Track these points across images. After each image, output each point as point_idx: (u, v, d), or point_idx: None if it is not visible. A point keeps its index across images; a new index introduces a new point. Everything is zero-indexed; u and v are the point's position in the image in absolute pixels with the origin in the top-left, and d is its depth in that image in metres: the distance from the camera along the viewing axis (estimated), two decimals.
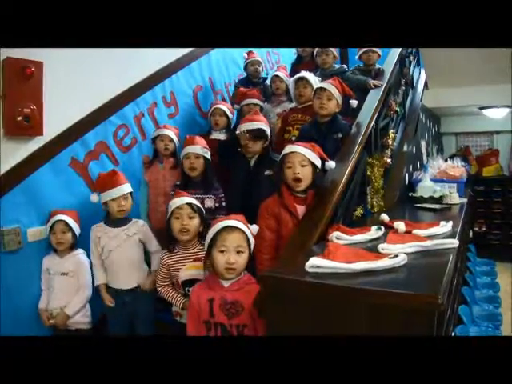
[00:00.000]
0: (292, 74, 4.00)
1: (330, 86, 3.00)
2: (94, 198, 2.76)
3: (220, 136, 3.65)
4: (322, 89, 3.01)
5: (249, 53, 4.51)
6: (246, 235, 1.98)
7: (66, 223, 2.65)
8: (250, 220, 2.20)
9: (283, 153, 2.46)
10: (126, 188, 2.72)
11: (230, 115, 3.73)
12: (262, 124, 3.03)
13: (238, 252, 1.94)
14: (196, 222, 2.43)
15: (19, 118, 2.52)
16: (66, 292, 2.63)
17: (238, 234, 1.96)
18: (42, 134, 2.68)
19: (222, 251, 1.94)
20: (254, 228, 2.09)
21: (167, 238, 2.50)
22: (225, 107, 3.72)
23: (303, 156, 2.38)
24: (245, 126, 3.00)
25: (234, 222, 1.98)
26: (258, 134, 2.97)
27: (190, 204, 2.44)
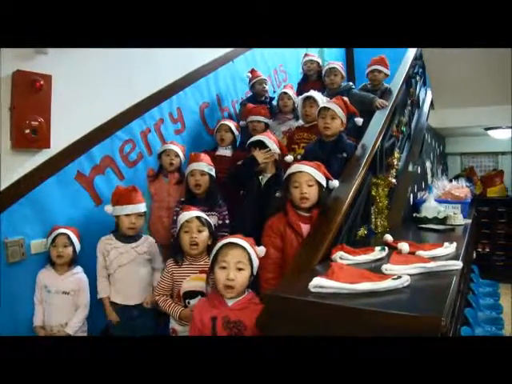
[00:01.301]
0: (298, 94, 4.03)
1: (334, 105, 3.00)
2: (109, 208, 2.75)
3: (226, 152, 3.68)
4: (325, 108, 3.02)
5: (252, 71, 4.54)
6: (248, 252, 1.98)
7: (68, 237, 2.64)
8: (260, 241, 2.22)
9: (290, 171, 2.48)
10: (142, 207, 2.75)
11: (235, 132, 3.76)
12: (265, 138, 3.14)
13: (239, 269, 1.94)
14: (205, 234, 2.45)
15: (27, 131, 2.53)
16: (66, 310, 2.62)
17: (239, 251, 1.97)
18: (48, 147, 2.69)
19: (222, 267, 1.95)
20: (262, 250, 2.09)
21: (175, 250, 2.51)
22: (230, 123, 3.75)
23: (310, 176, 2.40)
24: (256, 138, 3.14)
25: (236, 239, 2.01)
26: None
27: (198, 217, 2.47)
